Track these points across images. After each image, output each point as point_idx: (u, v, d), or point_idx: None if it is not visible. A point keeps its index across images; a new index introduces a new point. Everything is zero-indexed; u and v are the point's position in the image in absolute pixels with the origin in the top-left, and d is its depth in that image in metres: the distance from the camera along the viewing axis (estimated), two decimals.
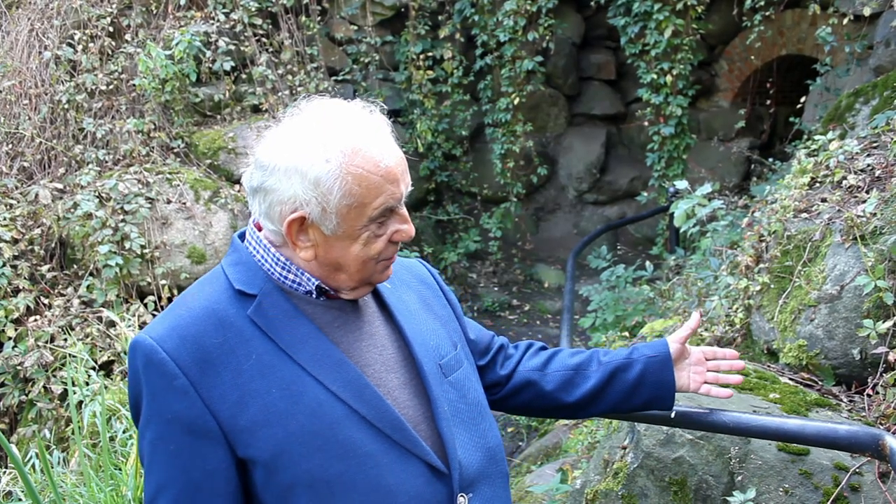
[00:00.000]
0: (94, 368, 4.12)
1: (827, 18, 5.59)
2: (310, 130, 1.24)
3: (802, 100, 5.58)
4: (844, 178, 2.82)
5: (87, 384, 3.59)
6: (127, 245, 5.10)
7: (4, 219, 5.15)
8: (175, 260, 5.34)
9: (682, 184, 3.91)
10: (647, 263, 5.39)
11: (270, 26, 6.95)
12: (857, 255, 2.52)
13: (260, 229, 1.33)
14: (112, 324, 4.80)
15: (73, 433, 3.70)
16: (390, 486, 1.24)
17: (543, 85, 8.09)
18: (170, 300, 5.05)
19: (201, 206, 5.55)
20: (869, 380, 2.47)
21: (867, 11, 4.93)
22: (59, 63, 6.12)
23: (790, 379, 2.60)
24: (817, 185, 2.96)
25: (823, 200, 2.81)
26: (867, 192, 2.69)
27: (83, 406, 3.34)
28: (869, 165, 2.81)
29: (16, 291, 4.90)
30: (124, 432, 3.19)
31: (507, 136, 7.81)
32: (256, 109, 6.60)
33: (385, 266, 1.34)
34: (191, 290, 1.33)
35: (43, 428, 4.44)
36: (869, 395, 2.43)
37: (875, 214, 2.53)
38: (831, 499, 2.00)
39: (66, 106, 5.95)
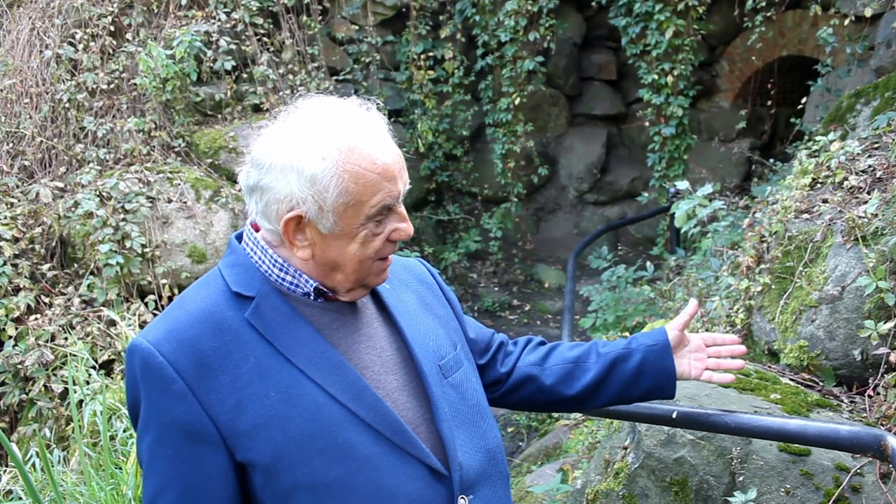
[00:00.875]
0: (94, 367, 4.12)
1: (828, 19, 5.59)
2: (306, 128, 1.23)
3: (803, 100, 5.59)
4: (846, 178, 2.82)
5: (88, 383, 3.59)
6: (127, 244, 5.10)
7: (5, 217, 5.15)
8: (176, 259, 5.34)
9: (682, 184, 3.91)
10: (648, 264, 5.39)
11: (271, 26, 6.95)
12: (859, 256, 2.52)
13: (257, 230, 1.32)
14: (112, 323, 4.80)
15: (73, 432, 3.70)
16: (390, 489, 1.24)
17: (544, 85, 8.09)
18: (170, 299, 5.06)
19: (202, 205, 5.55)
20: (870, 381, 2.47)
21: (868, 12, 4.94)
22: (60, 62, 6.12)
23: (791, 380, 2.60)
24: (818, 185, 2.96)
25: (825, 201, 2.81)
26: (868, 192, 2.69)
27: (83, 405, 3.34)
28: (870, 166, 2.81)
29: (16, 290, 4.90)
30: (125, 431, 3.18)
31: (508, 136, 7.81)
32: (257, 109, 6.60)
33: (381, 268, 1.32)
34: (188, 292, 1.32)
35: (43, 427, 4.44)
36: (870, 396, 2.43)
37: (876, 215, 2.53)
38: (832, 499, 2.00)
39: (66, 105, 5.95)
